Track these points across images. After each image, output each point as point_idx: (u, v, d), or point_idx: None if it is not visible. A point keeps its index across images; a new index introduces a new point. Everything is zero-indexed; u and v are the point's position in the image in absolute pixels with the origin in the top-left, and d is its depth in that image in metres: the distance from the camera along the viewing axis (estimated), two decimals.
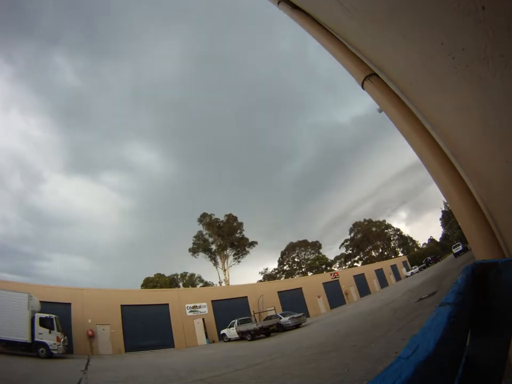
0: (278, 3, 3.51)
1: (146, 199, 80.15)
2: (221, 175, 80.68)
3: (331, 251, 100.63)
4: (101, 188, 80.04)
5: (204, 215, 48.57)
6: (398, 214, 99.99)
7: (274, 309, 24.21)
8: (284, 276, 63.12)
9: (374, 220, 69.50)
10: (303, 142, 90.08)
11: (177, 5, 74.36)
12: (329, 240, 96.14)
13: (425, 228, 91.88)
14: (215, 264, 47.55)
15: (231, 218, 49.54)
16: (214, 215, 49.02)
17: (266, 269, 66.59)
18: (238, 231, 49.31)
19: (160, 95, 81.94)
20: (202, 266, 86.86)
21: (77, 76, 70.26)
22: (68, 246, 70.94)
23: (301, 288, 34.38)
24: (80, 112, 72.39)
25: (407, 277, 44.56)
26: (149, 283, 47.24)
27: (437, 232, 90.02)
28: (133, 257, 72.57)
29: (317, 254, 64.42)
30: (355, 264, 65.24)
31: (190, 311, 25.42)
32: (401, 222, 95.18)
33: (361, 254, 67.99)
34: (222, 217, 49.35)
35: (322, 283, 36.98)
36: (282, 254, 65.56)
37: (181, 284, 53.08)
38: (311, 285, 35.59)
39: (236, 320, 21.01)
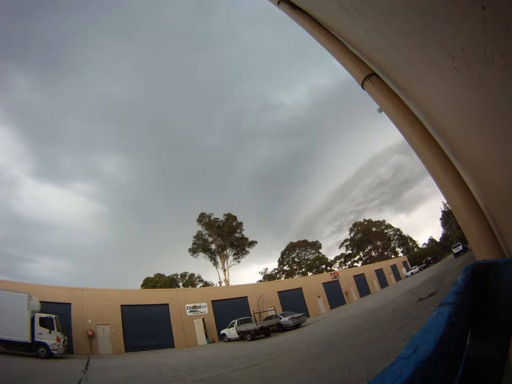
0: (278, 3, 3.51)
1: (143, 200, 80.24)
2: (219, 176, 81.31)
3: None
4: (96, 192, 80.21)
5: (202, 215, 48.56)
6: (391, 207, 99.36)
7: (274, 309, 24.20)
8: (284, 276, 63.14)
9: (374, 220, 69.68)
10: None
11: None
12: (318, 231, 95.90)
13: (419, 223, 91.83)
14: (215, 264, 47.58)
15: (230, 217, 49.52)
16: (212, 215, 49.05)
17: (266, 269, 66.68)
18: (238, 230, 49.32)
19: (131, 104, 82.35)
20: (202, 266, 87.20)
21: (37, 91, 69.45)
22: (69, 249, 71.09)
23: (301, 288, 34.38)
24: (51, 125, 72.10)
25: (407, 277, 44.54)
26: (149, 283, 47.21)
27: (437, 232, 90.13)
28: (132, 258, 72.60)
29: (317, 254, 64.42)
30: (355, 264, 65.28)
31: (190, 311, 25.42)
32: (395, 216, 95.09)
33: (361, 254, 68.03)
34: (221, 217, 49.45)
35: (322, 283, 36.98)
36: (282, 254, 65.60)
37: (180, 284, 53.05)
38: (311, 285, 35.59)
39: (236, 320, 21.01)
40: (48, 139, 72.16)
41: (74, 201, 77.63)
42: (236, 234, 48.84)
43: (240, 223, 49.95)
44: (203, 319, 25.10)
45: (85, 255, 73.59)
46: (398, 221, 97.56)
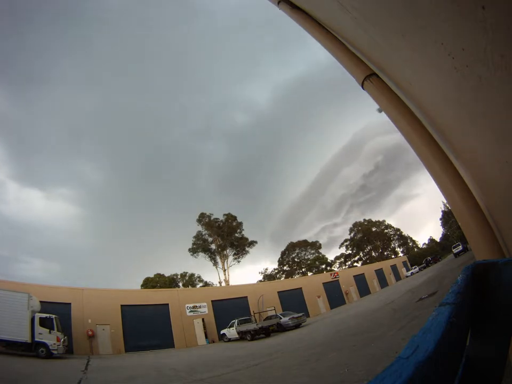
0: (278, 3, 3.52)
1: (143, 201, 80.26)
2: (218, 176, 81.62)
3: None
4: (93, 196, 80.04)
5: (202, 215, 48.61)
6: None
7: (274, 309, 24.20)
8: (284, 276, 63.15)
9: (374, 220, 69.71)
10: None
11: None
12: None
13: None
14: (215, 264, 47.60)
15: (230, 217, 49.56)
16: (212, 215, 49.09)
17: (266, 269, 66.73)
18: (238, 230, 49.35)
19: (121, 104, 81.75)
20: (202, 266, 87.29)
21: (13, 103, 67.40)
22: (69, 251, 70.97)
23: (301, 288, 34.38)
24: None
25: (407, 277, 44.53)
26: (149, 283, 47.20)
27: (437, 232, 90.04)
28: (132, 258, 72.60)
29: (316, 254, 64.44)
30: (355, 264, 65.28)
31: (190, 311, 25.42)
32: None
33: (361, 254, 68.02)
34: (221, 217, 49.50)
35: (322, 283, 36.98)
36: (282, 254, 65.59)
37: (180, 284, 53.06)
38: (311, 285, 35.59)
39: (236, 320, 21.00)
40: (30, 146, 71.15)
41: (71, 204, 77.55)
42: (236, 234, 48.88)
43: (240, 223, 50.01)
44: (203, 319, 25.10)
45: (84, 256, 73.54)
46: (394, 218, 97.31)
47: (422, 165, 2.14)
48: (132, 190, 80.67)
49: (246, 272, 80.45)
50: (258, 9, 72.51)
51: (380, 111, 2.92)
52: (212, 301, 27.01)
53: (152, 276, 49.58)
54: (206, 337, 24.35)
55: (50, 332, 14.66)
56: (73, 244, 70.81)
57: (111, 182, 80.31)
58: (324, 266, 63.00)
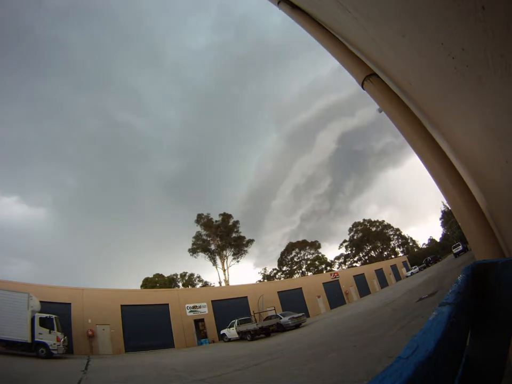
0: (278, 3, 3.52)
1: (142, 200, 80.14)
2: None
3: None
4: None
5: (200, 216, 48.88)
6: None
7: (274, 309, 24.21)
8: (284, 276, 63.18)
9: (373, 220, 69.77)
10: None
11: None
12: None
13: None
14: (215, 264, 47.69)
15: (226, 217, 49.80)
16: (209, 215, 49.37)
17: (265, 269, 66.82)
18: (235, 229, 49.62)
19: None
20: (201, 266, 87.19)
21: None
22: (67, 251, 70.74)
23: (301, 288, 34.39)
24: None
25: (407, 277, 44.52)
26: (148, 283, 47.21)
27: (437, 232, 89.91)
28: (132, 258, 72.60)
29: (316, 254, 64.50)
30: (354, 264, 65.29)
31: (190, 311, 25.42)
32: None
33: (360, 254, 68.02)
34: (218, 217, 49.76)
35: (322, 283, 36.99)
36: (282, 254, 65.67)
37: (180, 284, 53.10)
38: (311, 285, 35.60)
39: (236, 320, 21.00)
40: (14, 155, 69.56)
41: (69, 205, 76.94)
42: (233, 234, 49.11)
43: (237, 222, 50.35)
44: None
45: (84, 257, 73.47)
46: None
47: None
48: (131, 191, 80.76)
49: (248, 272, 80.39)
50: (258, 8, 72.25)
51: (380, 111, 2.91)
52: (211, 301, 27.01)
53: (151, 276, 49.66)
54: (206, 337, 24.34)
55: (50, 332, 14.65)
56: (73, 245, 70.87)
57: (108, 184, 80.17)
58: (323, 266, 63.06)
